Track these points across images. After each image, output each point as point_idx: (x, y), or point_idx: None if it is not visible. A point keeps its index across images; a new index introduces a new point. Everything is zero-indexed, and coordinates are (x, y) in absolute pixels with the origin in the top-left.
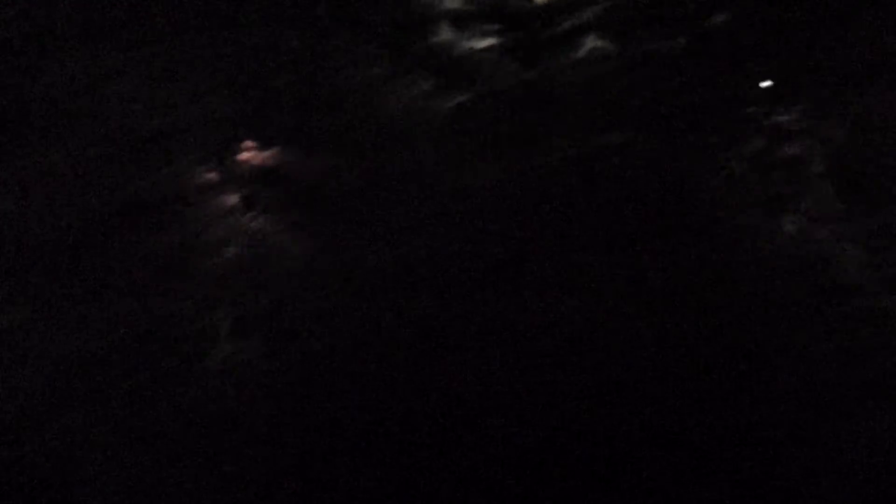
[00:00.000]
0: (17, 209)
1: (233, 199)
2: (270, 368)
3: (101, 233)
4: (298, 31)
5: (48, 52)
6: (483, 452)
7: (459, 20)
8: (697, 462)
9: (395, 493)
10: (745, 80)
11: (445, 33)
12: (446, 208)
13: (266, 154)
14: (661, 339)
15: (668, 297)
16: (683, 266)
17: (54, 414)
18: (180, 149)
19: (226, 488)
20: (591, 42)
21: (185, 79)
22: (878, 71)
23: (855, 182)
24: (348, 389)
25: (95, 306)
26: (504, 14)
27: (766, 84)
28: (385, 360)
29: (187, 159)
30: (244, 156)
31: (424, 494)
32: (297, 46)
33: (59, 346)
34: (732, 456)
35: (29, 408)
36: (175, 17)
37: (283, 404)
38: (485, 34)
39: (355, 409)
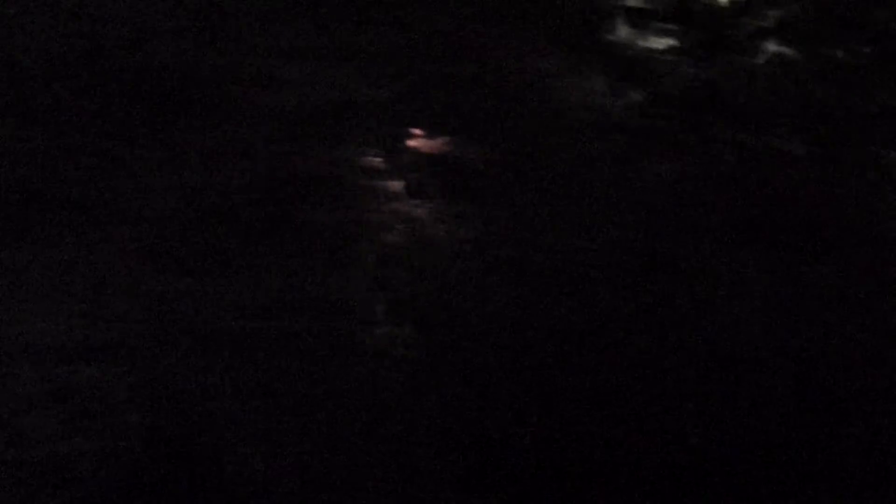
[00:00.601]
0: (199, 179)
1: (398, 184)
2: (426, 356)
3: (265, 205)
4: (469, 23)
5: (229, 31)
6: (654, 450)
7: (637, 17)
8: None
9: (565, 488)
10: None
11: (622, 30)
12: (616, 204)
13: (434, 142)
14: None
15: (828, 305)
16: (842, 276)
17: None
18: (350, 131)
19: (382, 474)
20: (772, 47)
21: (361, 64)
22: None
23: None
24: (511, 382)
25: (248, 278)
26: (684, 13)
27: None
28: (552, 355)
29: (356, 142)
30: (412, 142)
31: (603, 489)
32: (468, 37)
33: (212, 310)
34: None
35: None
36: (352, 5)
37: (440, 394)
38: (662, 33)
39: (519, 404)
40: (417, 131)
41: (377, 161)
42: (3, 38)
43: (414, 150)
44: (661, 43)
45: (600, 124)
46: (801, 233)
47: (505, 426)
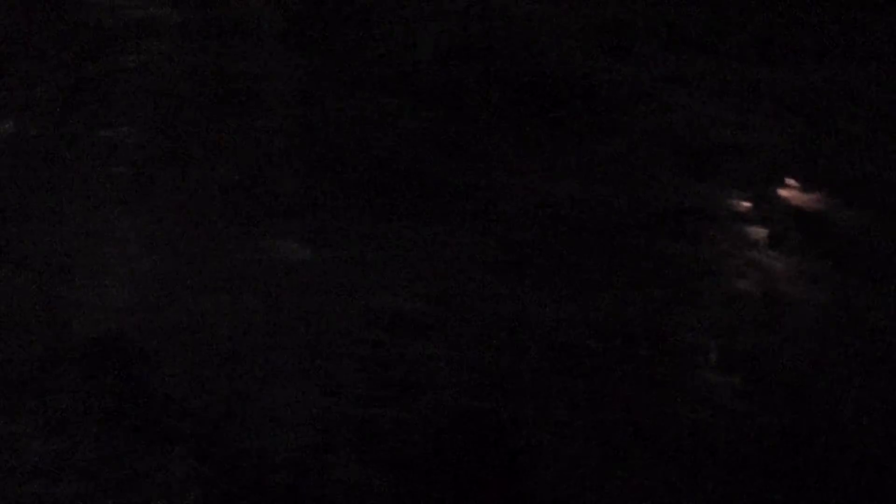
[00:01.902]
0: (580, 194)
1: (760, 232)
2: (753, 410)
3: (628, 229)
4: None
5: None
6: None
7: None
8: None
9: None
10: None
11: None
12: None
13: (808, 196)
14: None
15: None
16: None
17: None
18: (724, 168)
19: None
20: None
21: (744, 102)
22: None
23: None
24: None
25: (584, 294)
26: None
27: None
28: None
29: (726, 180)
30: (784, 191)
31: None
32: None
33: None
34: None
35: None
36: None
37: (760, 451)
38: None
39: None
40: (792, 180)
41: (744, 204)
42: (400, 34)
43: (784, 200)
44: None
45: None
46: None
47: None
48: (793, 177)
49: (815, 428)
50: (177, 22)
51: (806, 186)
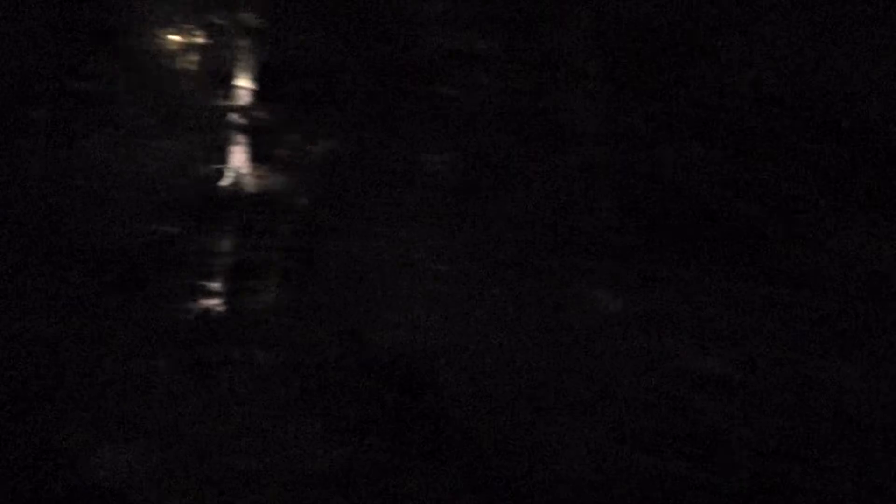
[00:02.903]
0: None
1: None
2: None
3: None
4: None
5: None
6: None
7: None
8: None
9: None
10: None
11: None
12: None
13: None
14: None
15: None
16: None
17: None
18: None
19: None
20: None
21: None
22: None
23: None
24: None
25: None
26: None
27: None
28: None
29: None
30: None
31: None
32: None
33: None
34: None
35: None
36: None
37: None
38: None
39: None
40: None
41: None
42: (715, 77)
43: None
44: None
45: None
46: None
47: None
48: None
49: None
50: (492, 53)
51: None
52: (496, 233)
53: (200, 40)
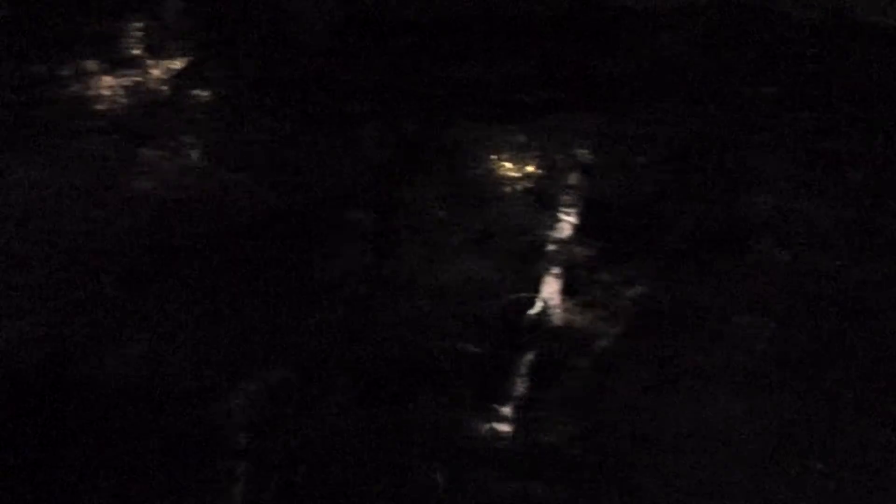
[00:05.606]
0: None
1: None
2: None
3: None
4: None
5: None
6: None
7: None
8: None
9: None
10: None
11: None
12: None
13: None
14: None
15: None
16: None
17: None
18: None
19: None
20: None
21: None
22: None
23: None
24: None
25: None
26: None
27: None
28: None
29: None
30: None
31: None
32: None
33: None
34: None
35: None
36: None
37: None
38: None
39: None
40: None
41: None
42: None
43: None
44: None
45: None
46: None
47: None
48: None
49: None
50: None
51: None
52: (807, 410)
53: (531, 169)
